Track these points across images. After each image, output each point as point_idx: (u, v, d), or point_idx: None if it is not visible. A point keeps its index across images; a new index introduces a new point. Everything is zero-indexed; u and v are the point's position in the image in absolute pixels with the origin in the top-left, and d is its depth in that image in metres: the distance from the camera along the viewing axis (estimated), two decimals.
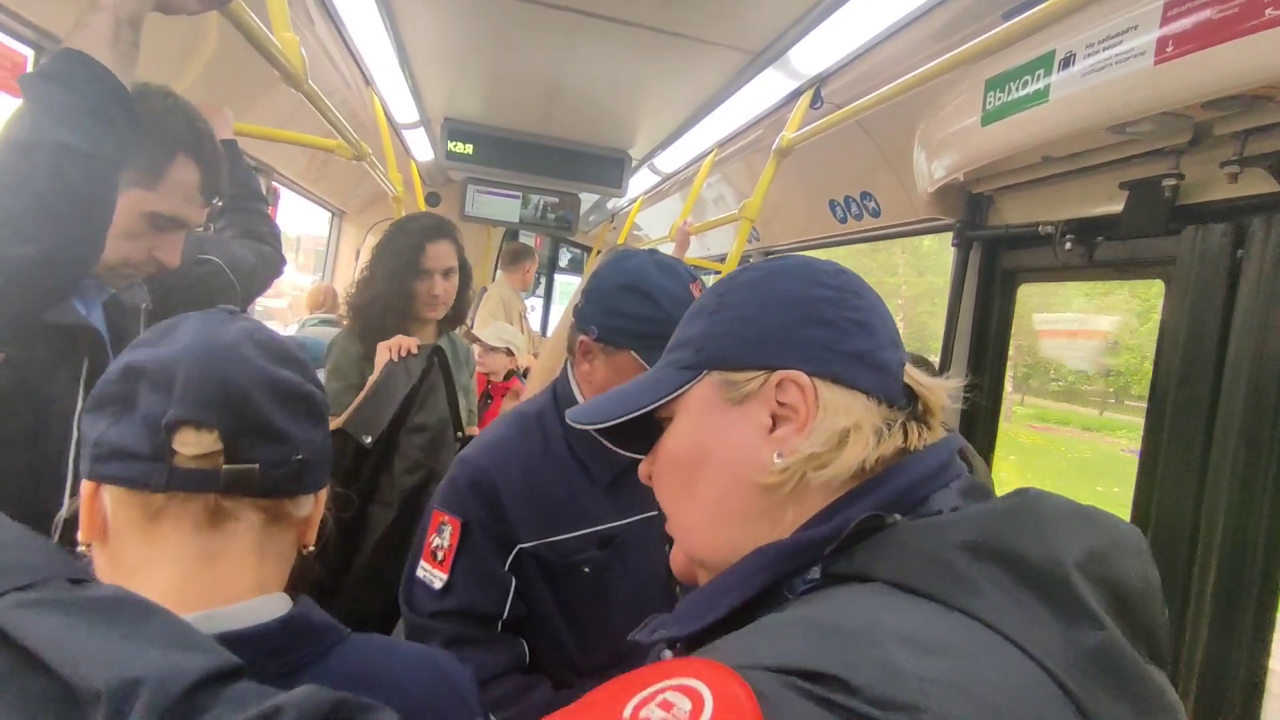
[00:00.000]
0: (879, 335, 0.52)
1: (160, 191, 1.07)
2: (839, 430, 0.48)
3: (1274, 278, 1.20)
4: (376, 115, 2.71)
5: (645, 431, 0.59)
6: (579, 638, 1.08)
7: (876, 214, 2.21)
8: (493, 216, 3.82)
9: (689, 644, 0.47)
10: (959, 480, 0.50)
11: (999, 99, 1.47)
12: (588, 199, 4.01)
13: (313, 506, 0.66)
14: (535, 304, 5.81)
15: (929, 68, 1.43)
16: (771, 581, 0.46)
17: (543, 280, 5.88)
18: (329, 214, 4.52)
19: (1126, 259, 1.52)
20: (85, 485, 0.58)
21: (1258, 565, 1.21)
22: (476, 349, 2.67)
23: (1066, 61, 1.27)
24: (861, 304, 0.53)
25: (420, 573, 1.05)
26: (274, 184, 3.29)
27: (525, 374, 2.98)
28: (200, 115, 1.13)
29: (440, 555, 1.04)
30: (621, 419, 0.57)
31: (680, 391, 0.55)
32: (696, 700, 0.32)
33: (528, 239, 5.10)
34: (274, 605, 0.59)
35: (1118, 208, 1.44)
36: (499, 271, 4.70)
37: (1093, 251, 1.57)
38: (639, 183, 3.61)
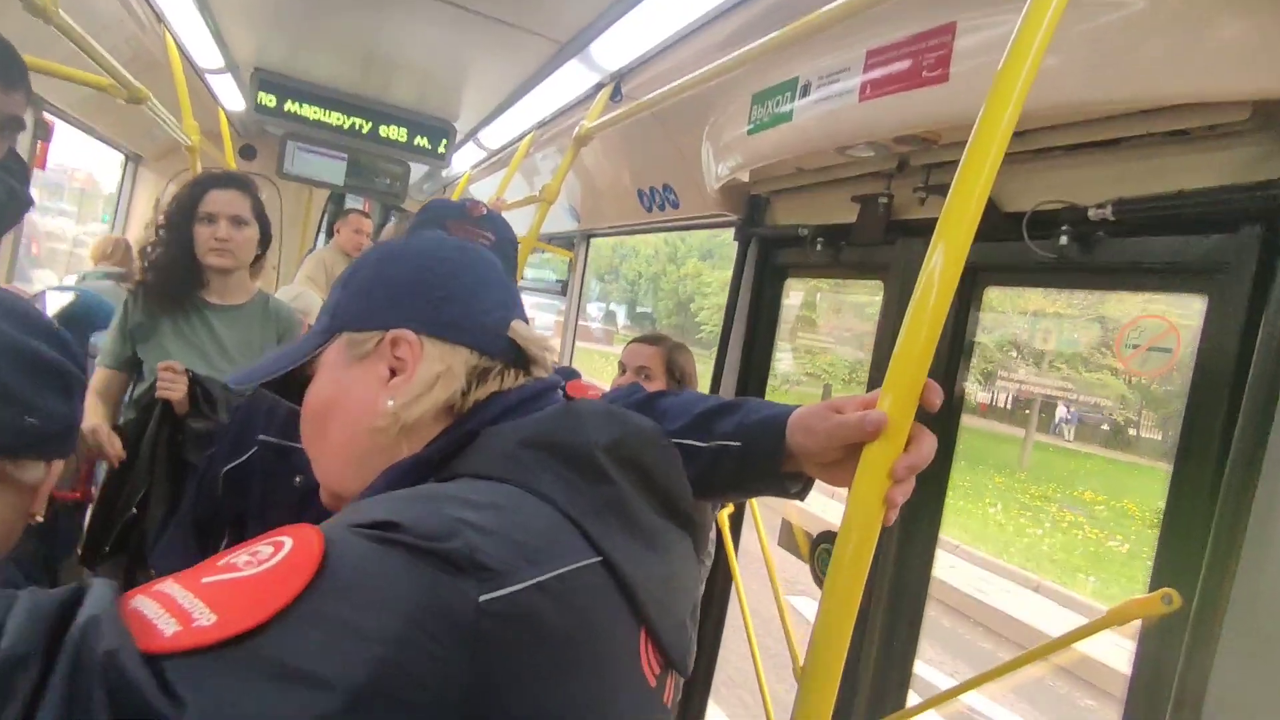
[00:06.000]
0: (484, 300, 0.64)
1: None
2: (434, 374, 0.60)
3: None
4: (170, 56, 2.51)
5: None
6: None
7: (676, 205, 2.38)
8: (315, 177, 3.61)
9: None
10: (555, 405, 0.63)
11: (761, 113, 1.66)
12: (419, 167, 3.93)
13: (43, 475, 0.68)
14: None
15: (706, 70, 1.58)
16: None
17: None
18: (121, 156, 4.08)
19: (860, 262, 1.78)
20: None
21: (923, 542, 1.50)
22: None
23: (805, 89, 1.47)
24: (469, 278, 0.65)
25: None
26: (47, 116, 2.93)
27: None
28: None
29: None
30: (268, 378, 0.67)
31: (316, 351, 0.65)
32: (279, 547, 0.41)
33: (356, 203, 4.88)
34: None
35: (854, 218, 1.68)
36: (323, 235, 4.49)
37: (838, 254, 1.82)
38: (468, 155, 3.60)
